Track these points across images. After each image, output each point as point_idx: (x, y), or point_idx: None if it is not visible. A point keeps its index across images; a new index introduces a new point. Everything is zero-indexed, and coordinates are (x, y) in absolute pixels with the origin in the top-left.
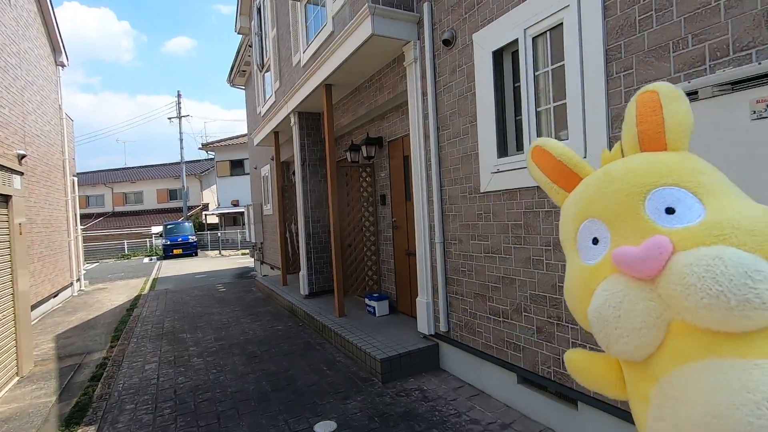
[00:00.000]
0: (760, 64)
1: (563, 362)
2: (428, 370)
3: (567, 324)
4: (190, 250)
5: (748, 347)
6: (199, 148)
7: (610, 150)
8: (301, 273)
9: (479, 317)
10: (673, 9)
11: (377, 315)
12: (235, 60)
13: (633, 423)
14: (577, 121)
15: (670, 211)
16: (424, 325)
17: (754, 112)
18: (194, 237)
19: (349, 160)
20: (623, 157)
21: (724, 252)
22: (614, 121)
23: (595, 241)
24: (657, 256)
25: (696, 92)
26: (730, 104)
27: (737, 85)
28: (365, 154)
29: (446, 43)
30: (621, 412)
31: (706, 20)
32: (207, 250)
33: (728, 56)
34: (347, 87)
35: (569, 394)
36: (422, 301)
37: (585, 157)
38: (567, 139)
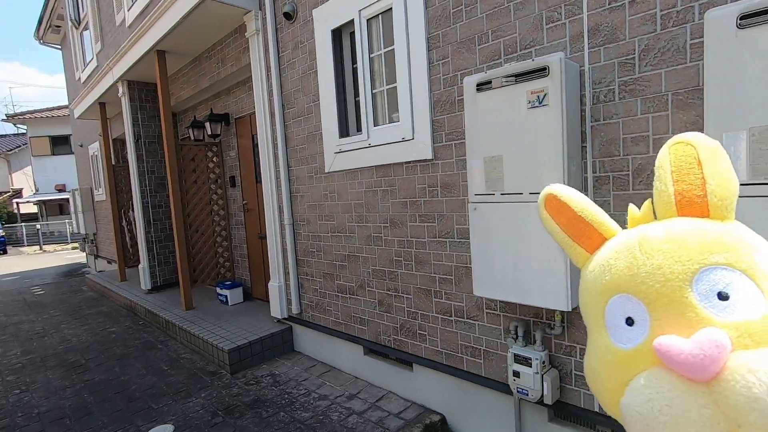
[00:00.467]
0: (533, 60)
1: (401, 330)
2: (283, 354)
3: (402, 295)
4: None
5: None
6: (3, 120)
7: (639, 208)
8: (141, 266)
9: (328, 296)
10: (478, 5)
11: (230, 304)
12: (43, 11)
13: (454, 375)
14: (406, 105)
15: (723, 296)
16: (276, 309)
17: (529, 102)
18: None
19: (192, 138)
20: (655, 218)
21: None
22: (436, 105)
23: (630, 321)
24: (715, 356)
25: (490, 81)
26: (514, 94)
27: (519, 77)
28: (210, 132)
29: (287, 16)
30: (445, 367)
31: (501, 19)
32: (22, 245)
33: (516, 52)
34: (186, 55)
35: (406, 358)
36: (274, 285)
37: (413, 138)
38: (398, 121)
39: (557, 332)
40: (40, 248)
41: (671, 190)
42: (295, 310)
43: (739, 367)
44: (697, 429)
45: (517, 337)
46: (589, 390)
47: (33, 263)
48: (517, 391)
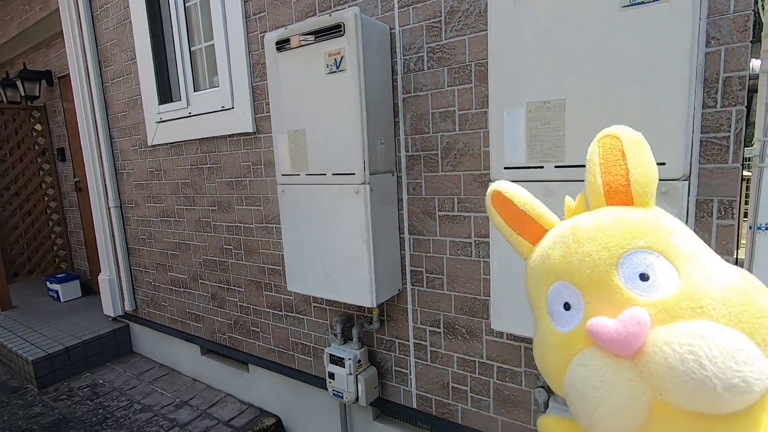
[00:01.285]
0: (330, 15)
1: (236, 327)
2: (117, 358)
3: (234, 288)
4: None
5: (732, 428)
6: None
7: (574, 200)
8: None
9: (163, 290)
10: None
11: (63, 300)
12: None
13: (287, 375)
14: (224, 67)
15: (644, 277)
16: (109, 306)
17: (327, 66)
18: None
19: (5, 99)
20: (588, 209)
21: (704, 329)
22: (255, 69)
23: (567, 306)
24: (637, 332)
25: (288, 40)
26: (314, 56)
27: (318, 36)
28: (24, 93)
29: None
30: (278, 366)
31: None
32: None
33: (331, 7)
34: None
35: (242, 357)
36: (105, 278)
37: (232, 108)
38: (218, 86)
39: (375, 327)
40: None
41: (599, 182)
42: (128, 307)
43: (656, 341)
44: (626, 400)
45: (337, 334)
46: (408, 386)
47: None
48: (333, 394)
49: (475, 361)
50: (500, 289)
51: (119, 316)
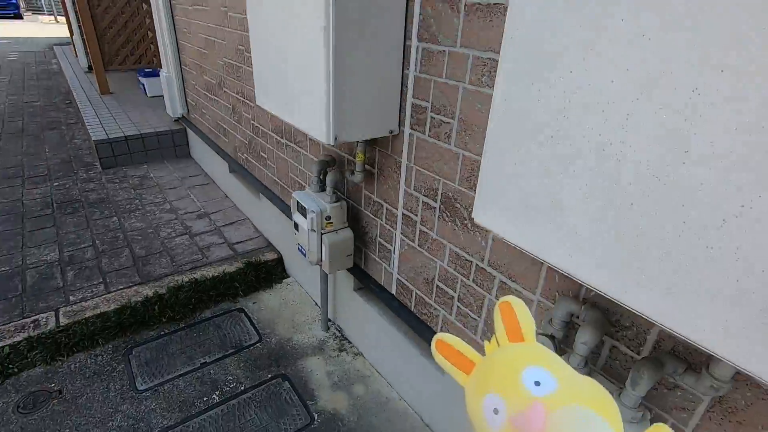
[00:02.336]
0: None
1: (250, 148)
2: (174, 158)
3: (247, 101)
4: (9, 10)
5: None
6: None
7: (489, 342)
8: (75, 37)
9: (202, 95)
10: None
11: (149, 95)
12: None
13: (285, 212)
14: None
15: (537, 383)
16: (168, 104)
17: None
18: None
19: None
20: (498, 345)
21: (577, 410)
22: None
23: (496, 410)
24: (539, 420)
25: None
26: None
27: None
28: None
29: None
30: (279, 202)
31: None
32: (41, 13)
33: None
34: None
35: (254, 183)
36: (164, 74)
37: None
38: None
39: (357, 179)
40: (55, 19)
41: (503, 329)
42: (181, 109)
43: (551, 420)
44: None
45: (313, 177)
46: (390, 267)
47: (38, 31)
48: (298, 249)
49: (472, 262)
50: (503, 152)
51: (178, 118)
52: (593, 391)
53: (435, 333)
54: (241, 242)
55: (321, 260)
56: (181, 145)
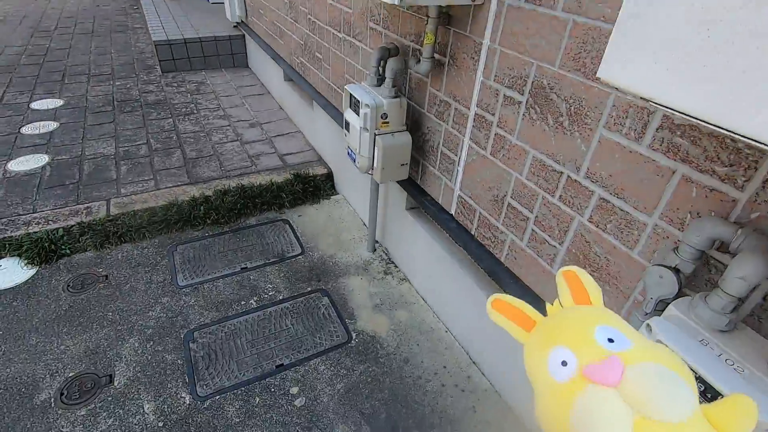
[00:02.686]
0: None
1: (305, 50)
2: (232, 67)
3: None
4: None
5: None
6: None
7: (552, 304)
8: None
9: None
10: None
11: (211, 1)
12: None
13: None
14: None
15: (611, 340)
16: (227, 8)
17: None
18: None
19: None
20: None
21: (657, 366)
22: None
23: (564, 363)
24: (618, 368)
25: None
26: None
27: None
28: None
29: None
30: (333, 110)
31: None
32: None
33: None
34: None
35: (308, 90)
36: None
37: None
38: None
39: (423, 70)
40: None
41: (569, 296)
42: (239, 12)
43: (630, 372)
44: (618, 416)
45: (372, 68)
46: (451, 181)
47: None
48: (347, 153)
49: (562, 173)
50: None
51: (236, 23)
52: (668, 354)
53: (498, 260)
54: (291, 154)
55: (372, 167)
56: (238, 53)
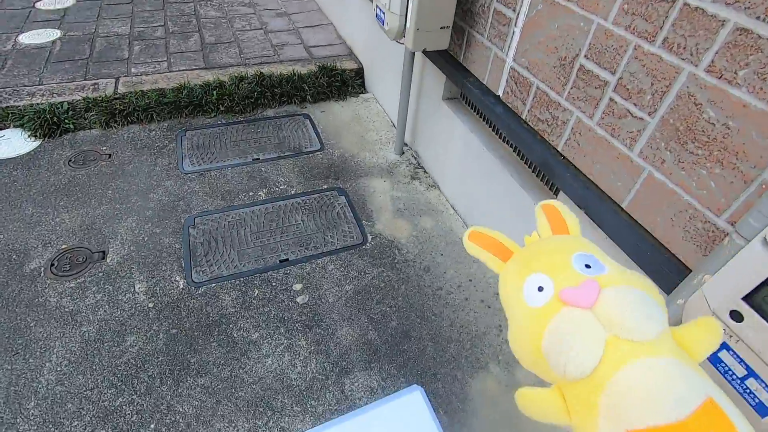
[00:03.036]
0: None
1: None
2: None
3: None
4: None
5: (656, 350)
6: None
7: (530, 236)
8: None
9: None
10: None
11: None
12: None
13: None
14: None
15: (587, 266)
16: None
17: None
18: None
19: None
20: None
21: (631, 288)
22: None
23: (540, 288)
24: (593, 291)
25: None
26: None
27: None
28: None
29: None
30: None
31: None
32: None
33: None
34: None
35: None
36: None
37: None
38: None
39: None
40: None
41: (548, 225)
42: None
43: (605, 294)
44: (592, 336)
45: None
46: (502, 50)
47: None
48: (376, 16)
49: (673, 4)
50: None
51: None
52: (642, 278)
53: (553, 149)
54: (319, 46)
55: (404, 28)
56: None
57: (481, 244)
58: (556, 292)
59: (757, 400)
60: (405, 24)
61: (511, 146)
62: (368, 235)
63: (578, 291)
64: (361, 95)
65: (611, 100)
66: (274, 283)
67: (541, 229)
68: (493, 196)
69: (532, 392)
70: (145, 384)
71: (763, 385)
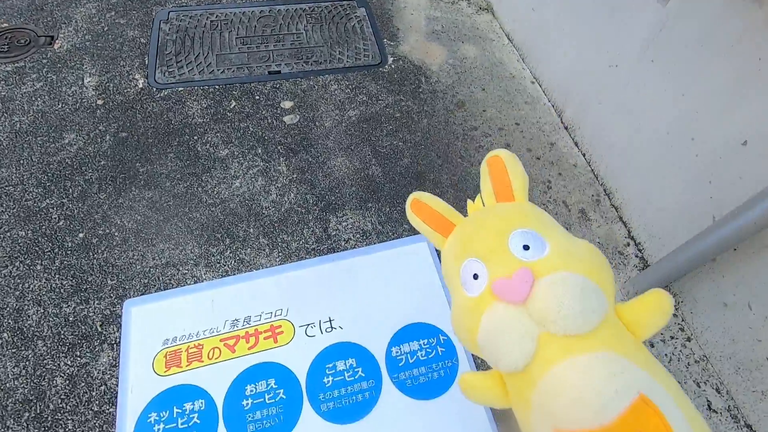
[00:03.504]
0: None
1: None
2: None
3: None
4: None
5: (589, 344)
6: None
7: (474, 201)
8: None
9: None
10: None
11: None
12: None
13: None
14: None
15: (526, 247)
16: None
17: None
18: None
19: None
20: (484, 206)
21: (566, 276)
22: None
23: (476, 276)
24: (524, 284)
25: None
26: None
27: None
28: None
29: None
30: None
31: None
32: None
33: None
34: None
35: None
36: None
37: None
38: None
39: None
40: None
41: (490, 187)
42: None
43: (539, 287)
44: (521, 334)
45: None
46: None
47: None
48: None
49: None
50: None
51: None
52: (588, 255)
53: None
54: None
55: None
56: None
57: (421, 215)
58: (489, 281)
59: None
60: None
61: None
62: (389, 56)
63: (509, 285)
64: None
65: None
66: (257, 97)
67: (485, 194)
68: (570, 20)
69: (474, 377)
70: (80, 188)
71: None
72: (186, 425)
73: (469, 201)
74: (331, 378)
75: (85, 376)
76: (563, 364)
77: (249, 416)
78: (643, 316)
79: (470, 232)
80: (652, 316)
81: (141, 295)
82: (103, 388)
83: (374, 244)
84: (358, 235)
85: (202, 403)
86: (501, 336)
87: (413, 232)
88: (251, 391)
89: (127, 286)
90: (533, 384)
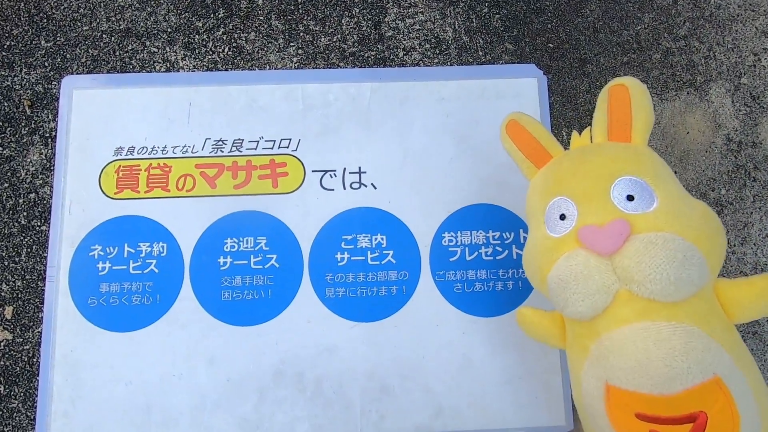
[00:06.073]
0: None
1: None
2: None
3: None
4: None
5: (673, 314)
6: None
7: (580, 134)
8: None
9: None
10: None
11: None
12: None
13: None
14: None
15: (630, 198)
16: None
17: None
18: None
19: None
20: (591, 142)
21: (669, 239)
22: None
23: (563, 216)
24: (617, 238)
25: None
26: None
27: None
28: None
29: None
30: None
31: None
32: None
33: None
34: None
35: None
36: None
37: None
38: None
39: None
40: None
41: (605, 120)
42: None
43: (633, 243)
44: (598, 287)
45: None
46: None
47: None
48: None
49: None
50: None
51: None
52: (701, 220)
53: None
54: None
55: None
56: None
57: (516, 139)
58: (577, 226)
59: None
60: None
61: None
62: None
63: (600, 233)
64: None
65: None
66: None
67: (597, 128)
68: None
69: (533, 314)
70: None
71: None
72: (140, 271)
73: (574, 133)
74: (347, 255)
75: (9, 175)
76: (637, 326)
77: (225, 280)
78: (746, 298)
79: (568, 168)
80: (757, 301)
81: (87, 73)
82: (32, 196)
83: (452, 64)
84: (427, 45)
85: (163, 246)
86: (575, 284)
87: (518, 57)
88: (232, 246)
89: (67, 55)
90: (596, 335)
